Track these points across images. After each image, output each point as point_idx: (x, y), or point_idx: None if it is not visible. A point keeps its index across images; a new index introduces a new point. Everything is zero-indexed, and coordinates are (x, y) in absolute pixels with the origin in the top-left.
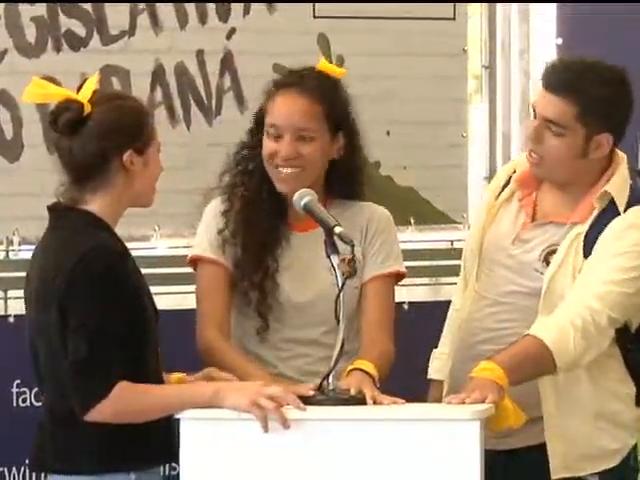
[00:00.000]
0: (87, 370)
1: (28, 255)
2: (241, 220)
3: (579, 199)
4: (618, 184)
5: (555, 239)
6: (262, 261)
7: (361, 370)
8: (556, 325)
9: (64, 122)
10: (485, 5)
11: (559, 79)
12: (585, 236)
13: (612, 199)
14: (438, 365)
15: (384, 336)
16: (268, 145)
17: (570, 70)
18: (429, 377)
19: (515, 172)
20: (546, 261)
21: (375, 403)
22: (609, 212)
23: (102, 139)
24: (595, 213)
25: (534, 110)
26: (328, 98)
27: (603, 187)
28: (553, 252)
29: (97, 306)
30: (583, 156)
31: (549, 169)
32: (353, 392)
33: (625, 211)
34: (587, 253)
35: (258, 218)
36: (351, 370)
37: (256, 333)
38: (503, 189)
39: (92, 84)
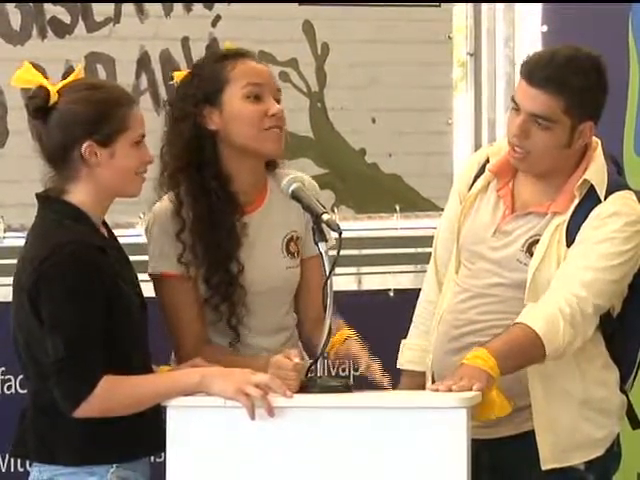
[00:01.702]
0: (68, 369)
1: (13, 242)
2: (197, 234)
3: (559, 188)
4: (597, 171)
5: (537, 229)
6: (228, 271)
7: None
8: (546, 313)
9: (31, 109)
10: None
11: (543, 74)
12: (567, 225)
13: (591, 187)
14: (411, 355)
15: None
16: (252, 107)
17: (553, 64)
18: (400, 367)
19: (488, 161)
20: (529, 252)
21: (369, 369)
22: (590, 200)
23: (61, 129)
24: (576, 202)
25: (515, 103)
26: None
27: (582, 175)
28: (535, 243)
29: (69, 302)
30: (568, 146)
31: (535, 163)
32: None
33: (606, 198)
34: (570, 242)
35: (217, 227)
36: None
37: (228, 345)
38: (475, 179)
39: (74, 75)
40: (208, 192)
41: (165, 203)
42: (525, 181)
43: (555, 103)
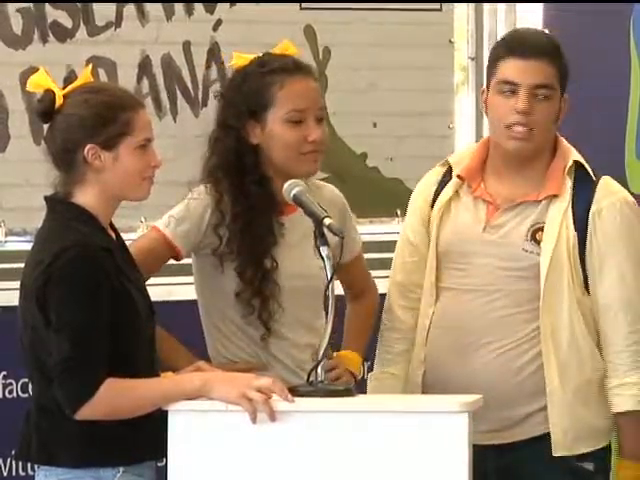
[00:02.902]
0: (72, 370)
1: (15, 247)
2: (236, 229)
3: (543, 175)
4: (577, 155)
5: (535, 217)
6: (262, 266)
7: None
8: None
9: (36, 112)
10: None
11: (537, 45)
12: (572, 209)
13: (577, 169)
14: (377, 385)
15: (372, 289)
16: (292, 132)
17: (540, 36)
18: None
19: (447, 174)
20: (534, 240)
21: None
22: (584, 182)
23: (64, 132)
24: (570, 184)
25: (509, 84)
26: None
27: (564, 160)
28: (539, 230)
29: (76, 304)
30: (557, 119)
31: (537, 138)
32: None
33: (596, 178)
34: (578, 227)
35: (254, 223)
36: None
37: (260, 339)
38: (436, 194)
39: (82, 79)
40: (247, 194)
41: (203, 195)
42: (498, 178)
43: (552, 70)
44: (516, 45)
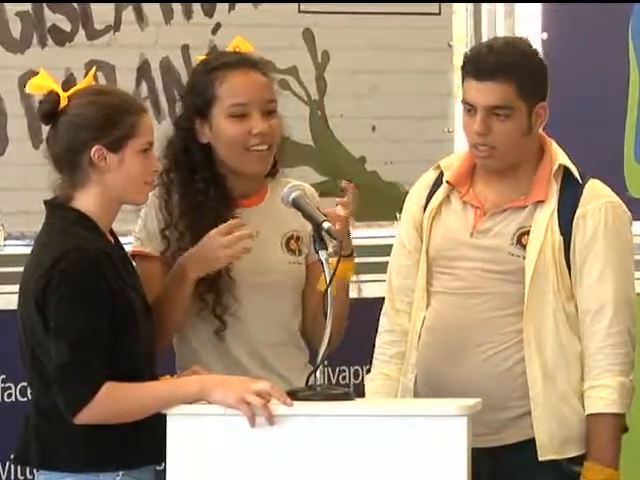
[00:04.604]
0: (71, 374)
1: (13, 250)
2: (184, 227)
3: (529, 180)
4: (565, 158)
5: (520, 222)
6: None
7: None
8: (612, 388)
9: (39, 113)
10: None
11: (488, 65)
12: (558, 213)
13: (564, 172)
14: (373, 386)
15: None
16: (236, 127)
17: (494, 53)
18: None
19: (439, 178)
20: (520, 243)
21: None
22: (570, 185)
23: (69, 133)
24: (556, 188)
25: (468, 104)
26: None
27: (550, 164)
28: (525, 234)
29: (76, 307)
30: (529, 132)
31: (502, 156)
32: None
33: (583, 182)
34: (563, 231)
35: (204, 217)
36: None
37: (214, 334)
38: (428, 198)
39: (85, 82)
40: (196, 191)
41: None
42: (487, 184)
43: (509, 89)
44: (472, 65)
